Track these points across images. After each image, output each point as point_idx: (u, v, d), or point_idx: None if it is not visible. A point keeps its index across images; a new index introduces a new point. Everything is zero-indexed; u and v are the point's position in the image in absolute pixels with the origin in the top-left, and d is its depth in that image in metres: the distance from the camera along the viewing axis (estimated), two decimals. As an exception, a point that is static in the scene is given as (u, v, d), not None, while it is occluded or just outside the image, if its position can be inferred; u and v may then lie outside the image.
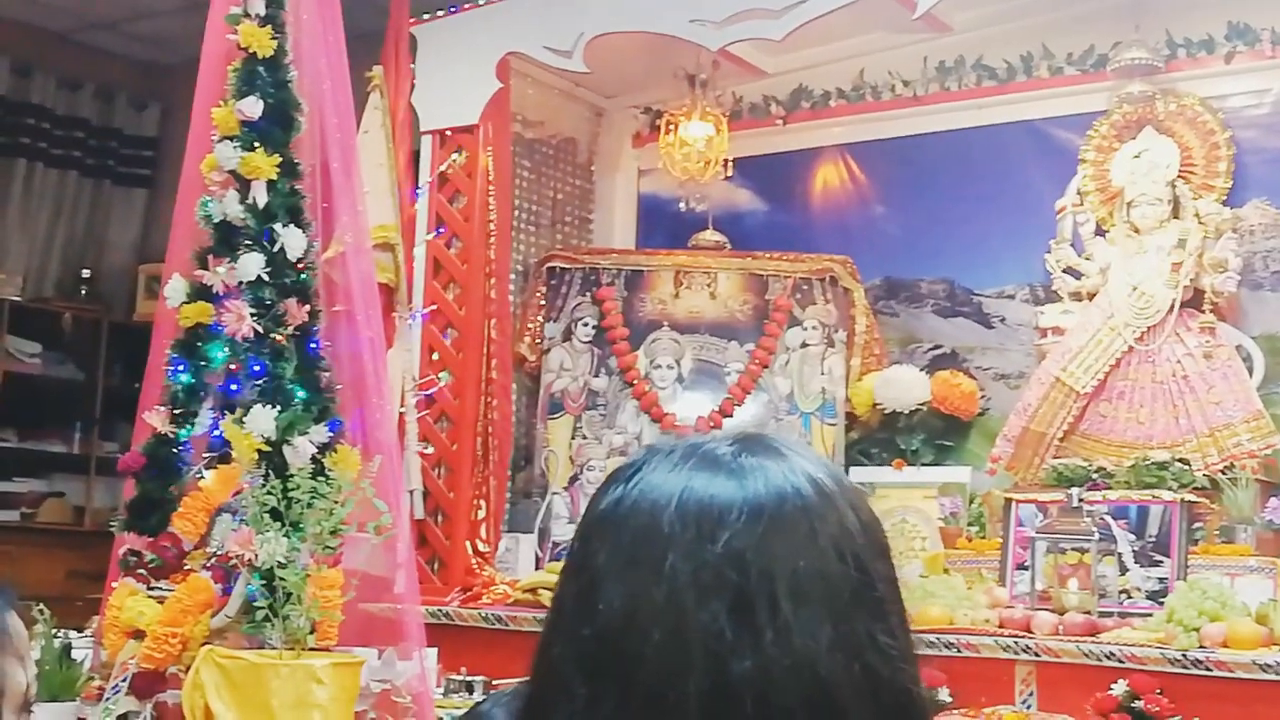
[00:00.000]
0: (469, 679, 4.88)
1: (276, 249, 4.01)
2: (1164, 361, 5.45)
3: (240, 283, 3.99)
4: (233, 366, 4.03)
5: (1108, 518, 5.00)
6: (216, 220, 4.08)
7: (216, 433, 4.01)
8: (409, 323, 5.88)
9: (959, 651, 4.76)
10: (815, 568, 0.97)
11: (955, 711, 4.57)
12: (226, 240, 4.07)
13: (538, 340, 6.43)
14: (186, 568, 3.88)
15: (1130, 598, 4.93)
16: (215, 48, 4.27)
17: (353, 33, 4.48)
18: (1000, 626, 4.82)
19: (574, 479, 6.28)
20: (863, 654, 0.96)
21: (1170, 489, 5.08)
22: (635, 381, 6.33)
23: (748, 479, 0.99)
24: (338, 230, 4.37)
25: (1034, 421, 5.60)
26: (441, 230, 6.11)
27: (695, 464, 1.01)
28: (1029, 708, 4.62)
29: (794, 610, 0.94)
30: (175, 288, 4.13)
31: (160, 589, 3.84)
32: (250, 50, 4.10)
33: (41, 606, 4.07)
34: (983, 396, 6.10)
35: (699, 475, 1.00)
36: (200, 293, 4.09)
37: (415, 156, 6.13)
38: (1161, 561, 4.96)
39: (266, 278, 3.98)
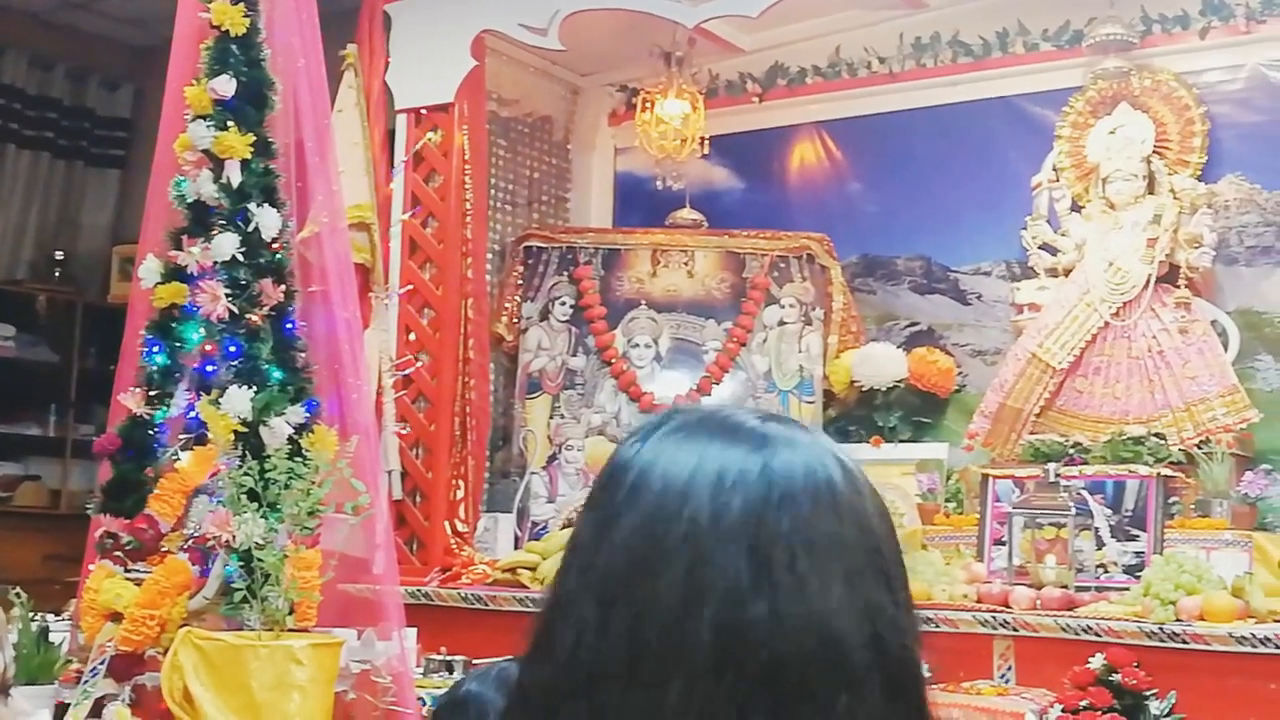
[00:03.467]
0: (449, 659, 4.88)
1: (251, 229, 3.98)
2: (1140, 337, 5.47)
3: (215, 263, 3.97)
4: (208, 347, 4.01)
5: (1084, 492, 5.03)
6: (190, 200, 4.05)
7: (192, 414, 3.99)
8: (385, 303, 5.86)
9: (937, 627, 4.77)
10: (834, 531, 0.99)
11: (934, 686, 4.59)
12: (201, 220, 4.04)
13: (515, 320, 6.42)
14: (164, 549, 3.87)
15: (1107, 572, 4.96)
16: (188, 26, 4.24)
17: (326, 11, 4.45)
18: (978, 601, 4.84)
19: (552, 458, 6.28)
20: (874, 621, 0.98)
21: (1146, 464, 5.10)
22: (613, 360, 6.33)
23: (774, 447, 1.02)
24: (313, 210, 4.35)
25: (1010, 397, 5.62)
26: (417, 210, 6.08)
27: (720, 428, 1.03)
28: (1007, 682, 4.64)
29: (810, 565, 0.96)
30: (150, 268, 4.11)
31: (137, 571, 3.82)
32: (223, 28, 4.06)
33: (18, 590, 4.06)
34: (959, 373, 6.12)
35: (722, 439, 1.02)
36: (175, 273, 4.07)
37: (390, 135, 6.11)
38: (1138, 536, 4.99)
39: (241, 258, 3.96)
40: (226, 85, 4.03)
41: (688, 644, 0.95)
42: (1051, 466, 5.05)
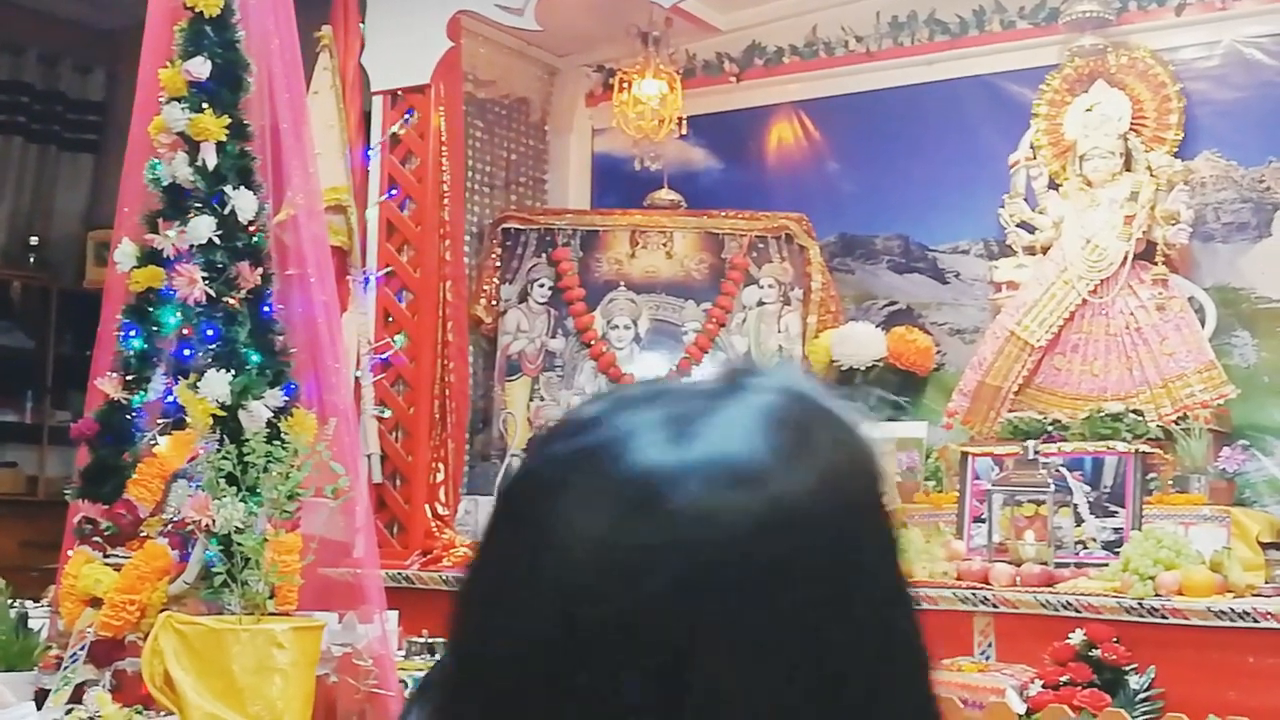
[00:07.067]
0: (430, 641, 4.88)
1: (227, 211, 3.96)
2: (1117, 314, 5.49)
3: (191, 246, 3.95)
4: (185, 331, 4.00)
5: (1063, 469, 5.04)
6: (165, 183, 4.03)
7: (170, 398, 3.98)
8: (363, 285, 5.83)
9: (917, 604, 4.78)
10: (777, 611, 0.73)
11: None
12: (176, 203, 4.02)
13: (493, 302, 6.41)
14: (143, 534, 3.85)
15: (1086, 548, 4.98)
16: (161, 8, 4.21)
17: (300, -8, 4.43)
18: (958, 579, 4.86)
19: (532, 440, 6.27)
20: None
21: (1124, 440, 5.12)
22: (593, 342, 6.32)
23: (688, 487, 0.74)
24: (289, 192, 4.33)
25: (989, 375, 5.63)
26: (394, 192, 6.05)
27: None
28: (988, 658, 4.66)
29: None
30: (125, 252, 4.08)
31: (116, 556, 3.81)
32: (197, 10, 4.03)
33: (-4, 577, 4.04)
34: (938, 351, 6.13)
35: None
36: (151, 257, 4.04)
37: (366, 117, 6.07)
38: (1116, 512, 5.01)
39: (218, 241, 3.94)
40: (201, 67, 4.00)
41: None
42: (1030, 444, 5.07)
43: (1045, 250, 5.71)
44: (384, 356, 5.88)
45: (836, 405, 0.80)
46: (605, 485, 0.74)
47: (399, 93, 6.08)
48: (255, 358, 3.92)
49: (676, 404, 0.77)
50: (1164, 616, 4.39)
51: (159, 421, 4.03)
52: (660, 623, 0.71)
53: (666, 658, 0.71)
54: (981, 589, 4.75)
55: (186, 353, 3.98)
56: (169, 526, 3.82)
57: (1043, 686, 4.35)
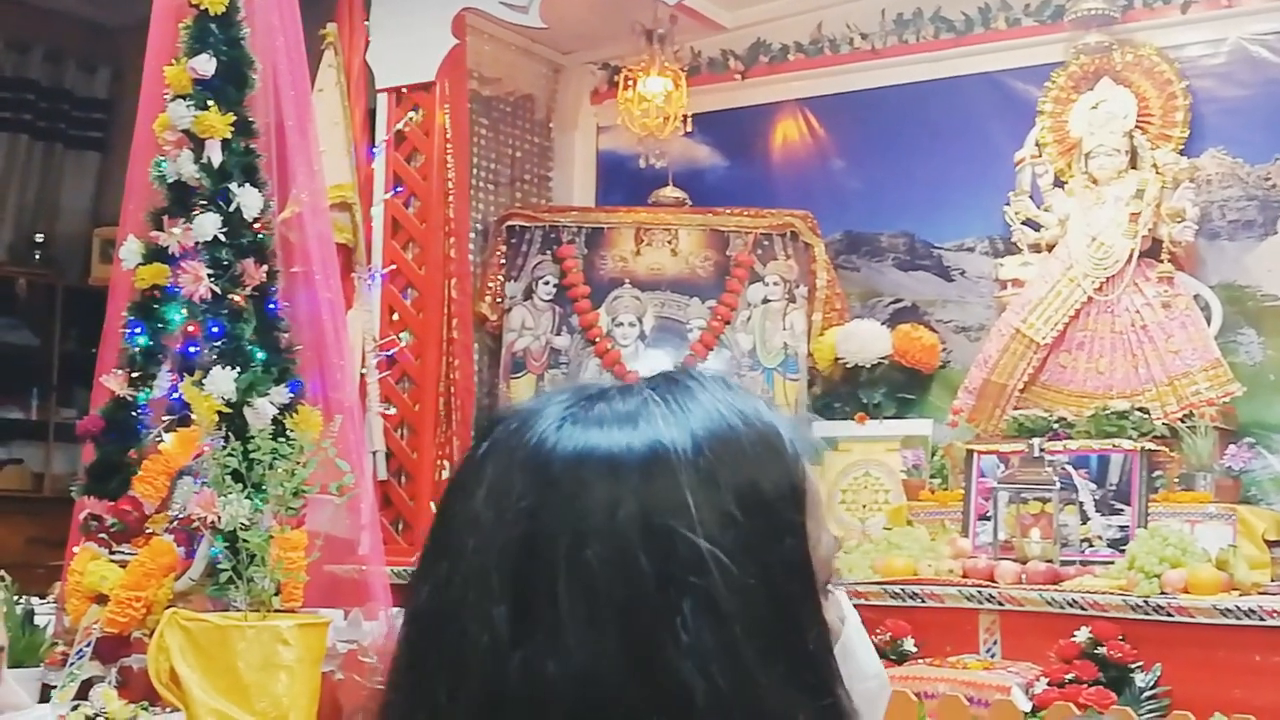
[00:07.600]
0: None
1: (233, 209, 3.96)
2: (1123, 311, 5.48)
3: (196, 243, 3.95)
4: (191, 328, 4.00)
5: (1069, 467, 5.04)
6: (171, 180, 4.03)
7: (176, 395, 3.98)
8: (368, 283, 5.83)
9: (923, 602, 4.79)
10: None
11: (920, 661, 4.60)
12: (181, 201, 4.02)
13: (498, 299, 6.41)
14: (148, 531, 3.86)
15: (1092, 546, 4.98)
16: (166, 5, 4.21)
17: (306, -11, 4.43)
18: (964, 576, 4.86)
19: (537, 438, 6.26)
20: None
21: (1130, 438, 5.12)
22: (597, 339, 6.32)
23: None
24: (294, 190, 4.33)
25: (995, 373, 5.62)
26: (399, 189, 6.05)
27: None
28: (993, 656, 4.66)
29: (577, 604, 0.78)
30: (130, 249, 4.09)
31: (122, 553, 3.82)
32: (202, 7, 4.04)
33: (2, 573, 4.04)
34: (944, 349, 6.13)
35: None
36: (156, 254, 4.05)
37: (371, 115, 6.08)
38: (1122, 510, 5.01)
39: (223, 238, 3.94)
40: (206, 64, 4.01)
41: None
42: (1036, 441, 5.06)
43: (1051, 248, 5.71)
44: (389, 353, 5.88)
45: (746, 424, 0.87)
46: (509, 455, 0.84)
47: (404, 90, 6.08)
48: (260, 355, 3.93)
49: (584, 398, 0.89)
50: (1170, 614, 4.39)
51: (164, 418, 4.04)
52: (509, 575, 0.80)
53: (512, 609, 0.79)
54: (987, 586, 4.75)
55: (192, 350, 3.99)
56: (174, 523, 3.83)
57: (1048, 684, 4.35)
